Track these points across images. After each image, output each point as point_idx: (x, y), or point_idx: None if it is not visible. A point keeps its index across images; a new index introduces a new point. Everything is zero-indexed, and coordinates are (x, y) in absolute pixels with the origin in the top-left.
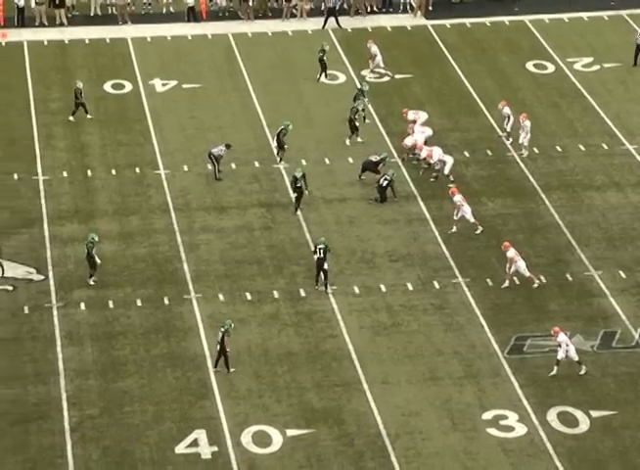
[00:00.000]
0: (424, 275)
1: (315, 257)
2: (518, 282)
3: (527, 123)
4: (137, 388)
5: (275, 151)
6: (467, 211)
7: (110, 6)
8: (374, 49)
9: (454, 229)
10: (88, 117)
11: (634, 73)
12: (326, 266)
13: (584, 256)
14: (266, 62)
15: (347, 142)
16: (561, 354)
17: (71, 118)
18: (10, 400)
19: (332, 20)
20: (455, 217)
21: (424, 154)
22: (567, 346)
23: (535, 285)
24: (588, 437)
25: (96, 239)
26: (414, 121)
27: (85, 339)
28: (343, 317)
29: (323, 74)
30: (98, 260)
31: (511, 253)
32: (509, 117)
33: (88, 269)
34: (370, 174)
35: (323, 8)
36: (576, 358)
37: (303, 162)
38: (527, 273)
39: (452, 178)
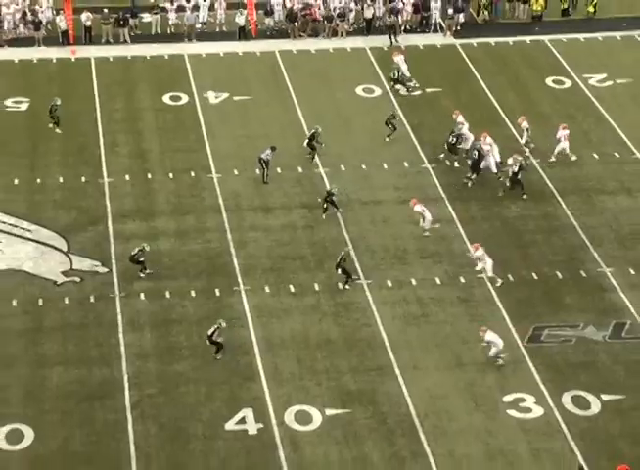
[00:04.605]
0: (451, 271)
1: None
2: (536, 278)
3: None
4: (191, 370)
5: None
6: (428, 218)
7: (172, 26)
8: (397, 59)
9: (427, 234)
10: (57, 130)
11: None
12: (339, 271)
13: (597, 254)
14: (309, 76)
15: (387, 139)
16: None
17: (58, 131)
18: (77, 381)
19: (369, 37)
20: (424, 225)
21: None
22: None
23: (498, 284)
24: (599, 418)
25: (147, 249)
26: (462, 123)
27: (145, 326)
28: (378, 308)
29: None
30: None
31: (479, 252)
32: (528, 130)
33: (138, 266)
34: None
35: (363, 25)
36: (491, 274)
37: (342, 167)
38: (491, 273)
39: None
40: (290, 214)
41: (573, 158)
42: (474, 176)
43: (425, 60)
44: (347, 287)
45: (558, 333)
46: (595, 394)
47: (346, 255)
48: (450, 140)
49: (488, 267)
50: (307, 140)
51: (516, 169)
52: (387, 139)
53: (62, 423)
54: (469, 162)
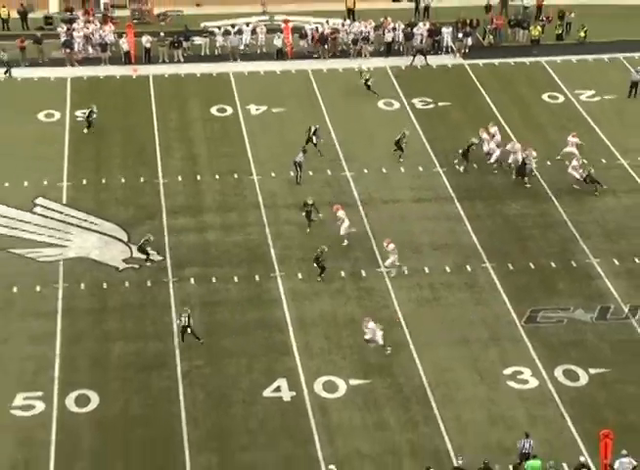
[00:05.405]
0: (459, 261)
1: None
2: (533, 267)
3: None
4: (233, 345)
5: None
6: (346, 224)
7: (218, 48)
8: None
9: (346, 242)
10: (85, 131)
11: (628, 104)
12: (315, 265)
13: (586, 247)
14: (337, 92)
15: (401, 159)
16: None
17: (85, 131)
18: (135, 353)
19: (389, 58)
20: (342, 233)
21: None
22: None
23: (401, 273)
24: (587, 389)
25: (152, 239)
26: (493, 135)
27: (194, 306)
28: (395, 292)
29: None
30: (150, 252)
31: (391, 246)
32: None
33: (144, 256)
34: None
35: (382, 49)
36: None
37: (365, 171)
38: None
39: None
40: (320, 211)
41: (586, 163)
42: (526, 178)
43: (437, 78)
44: (319, 279)
45: (551, 315)
46: (583, 368)
47: (321, 252)
48: (467, 148)
49: (396, 261)
50: (311, 135)
51: (585, 174)
52: (400, 160)
53: (123, 389)
54: (512, 167)
